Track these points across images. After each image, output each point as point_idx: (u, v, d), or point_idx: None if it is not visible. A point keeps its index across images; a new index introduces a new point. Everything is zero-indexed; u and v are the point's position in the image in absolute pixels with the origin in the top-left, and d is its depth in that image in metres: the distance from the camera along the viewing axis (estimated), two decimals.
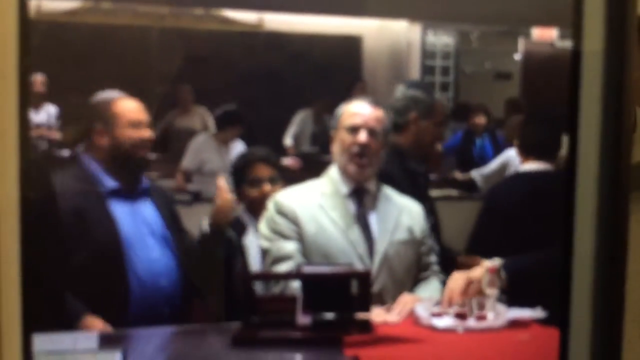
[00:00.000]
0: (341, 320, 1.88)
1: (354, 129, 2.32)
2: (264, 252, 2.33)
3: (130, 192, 2.29)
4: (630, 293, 1.27)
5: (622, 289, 1.25)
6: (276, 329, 1.90)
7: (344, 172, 2.36)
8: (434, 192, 4.16)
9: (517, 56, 5.88)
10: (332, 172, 2.41)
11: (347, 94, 5.34)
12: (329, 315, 1.87)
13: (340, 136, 2.36)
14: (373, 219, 2.35)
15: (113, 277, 2.19)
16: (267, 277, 2.30)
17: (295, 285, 2.10)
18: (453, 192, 4.41)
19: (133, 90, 2.37)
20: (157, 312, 2.23)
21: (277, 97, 5.55)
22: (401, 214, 2.40)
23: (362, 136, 2.31)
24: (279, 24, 5.43)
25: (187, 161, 4.39)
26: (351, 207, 2.35)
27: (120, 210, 2.25)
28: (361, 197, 2.37)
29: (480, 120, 4.80)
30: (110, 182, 2.26)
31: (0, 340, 1.07)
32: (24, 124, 1.03)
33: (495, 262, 2.13)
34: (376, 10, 5.16)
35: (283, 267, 2.24)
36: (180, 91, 5.05)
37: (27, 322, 1.08)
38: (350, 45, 5.56)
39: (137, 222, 2.27)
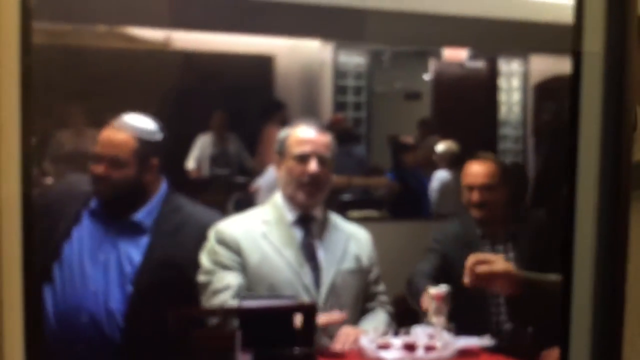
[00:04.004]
0: (283, 356, 1.83)
1: (303, 158, 2.24)
2: (203, 286, 2.19)
3: (111, 219, 2.15)
4: (631, 292, 1.31)
5: (622, 288, 1.29)
6: None
7: (292, 200, 2.27)
8: (354, 214, 4.19)
9: (427, 76, 6.05)
10: (277, 200, 2.32)
11: (261, 117, 5.38)
12: (271, 352, 1.81)
13: (287, 164, 2.28)
14: (320, 248, 2.27)
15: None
16: (203, 313, 2.17)
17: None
18: (373, 214, 4.46)
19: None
20: (70, 344, 2.07)
21: (184, 118, 5.45)
22: (349, 241, 2.34)
23: (313, 166, 2.23)
24: (187, 43, 5.35)
25: None
26: (297, 235, 2.27)
27: (85, 229, 2.11)
28: (307, 225, 2.30)
29: (410, 157, 4.91)
30: (93, 202, 2.13)
31: (2, 341, 1.00)
32: (26, 124, 0.96)
33: (441, 289, 2.12)
34: (288, 29, 5.22)
35: (220, 299, 2.13)
36: (70, 112, 4.83)
37: (29, 321, 1.01)
38: (262, 64, 5.55)
39: (100, 248, 2.13)
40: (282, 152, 2.30)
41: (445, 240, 2.75)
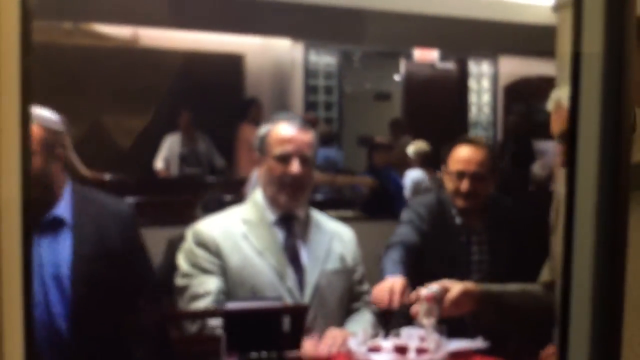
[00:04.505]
0: None
1: (285, 158, 2.11)
2: (181, 290, 2.06)
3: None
4: (630, 293, 1.31)
5: (621, 288, 1.29)
6: None
7: (273, 201, 2.15)
8: (330, 213, 4.17)
9: (397, 77, 6.08)
10: (257, 198, 2.19)
11: (236, 116, 5.34)
12: (258, 355, 1.72)
13: (268, 163, 2.14)
14: (303, 248, 2.16)
15: None
16: (186, 316, 2.03)
17: (215, 322, 1.90)
18: (348, 213, 4.43)
19: None
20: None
21: (152, 117, 5.37)
22: (332, 241, 2.22)
23: (295, 167, 2.10)
24: (155, 40, 5.28)
25: None
26: (279, 235, 2.15)
27: None
28: (290, 225, 2.17)
29: (384, 156, 4.90)
30: None
31: (2, 341, 0.97)
32: (26, 124, 0.93)
33: (432, 290, 2.00)
34: (258, 28, 5.18)
35: (199, 305, 2.01)
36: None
37: (29, 321, 0.98)
38: (232, 63, 5.50)
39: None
40: (262, 150, 2.17)
41: (426, 217, 2.47)
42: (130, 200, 4.64)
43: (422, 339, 1.92)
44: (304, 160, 2.11)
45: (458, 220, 2.46)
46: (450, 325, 1.97)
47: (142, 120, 5.32)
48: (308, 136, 2.15)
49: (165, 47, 5.30)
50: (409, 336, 1.94)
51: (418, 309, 2.00)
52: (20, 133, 0.96)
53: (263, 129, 2.18)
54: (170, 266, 2.31)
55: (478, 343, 1.96)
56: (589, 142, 1.32)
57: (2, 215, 0.95)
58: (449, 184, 2.45)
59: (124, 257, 2.10)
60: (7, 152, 0.96)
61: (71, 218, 2.09)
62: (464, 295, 1.99)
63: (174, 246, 2.31)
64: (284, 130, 2.14)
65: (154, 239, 2.72)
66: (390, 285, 2.02)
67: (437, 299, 2.00)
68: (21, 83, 0.95)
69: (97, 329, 2.02)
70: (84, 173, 4.58)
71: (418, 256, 2.34)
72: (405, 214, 2.52)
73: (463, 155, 2.44)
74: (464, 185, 2.41)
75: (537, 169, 5.13)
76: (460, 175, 2.42)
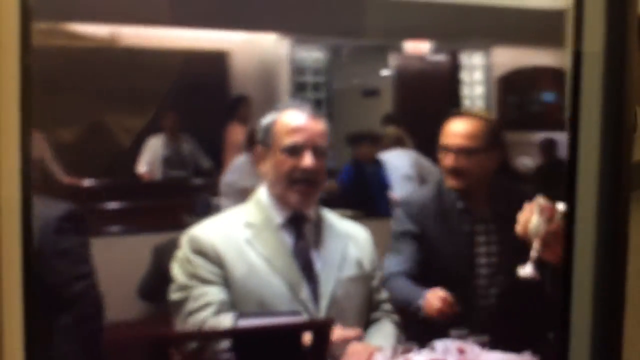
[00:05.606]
0: None
1: (295, 150, 1.94)
2: (177, 304, 1.87)
3: None
4: (631, 292, 1.36)
5: (622, 289, 1.33)
6: None
7: (281, 200, 1.98)
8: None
9: (387, 71, 6.10)
10: (262, 197, 2.01)
11: (223, 115, 5.35)
12: None
13: (275, 157, 1.96)
14: (315, 254, 2.00)
15: None
16: (191, 337, 1.81)
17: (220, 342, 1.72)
18: (347, 213, 4.43)
19: None
20: None
21: (133, 119, 5.37)
22: (347, 244, 2.06)
23: (308, 160, 1.93)
24: (135, 39, 5.28)
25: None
26: (287, 239, 1.98)
27: None
28: (299, 227, 2.01)
29: (369, 149, 4.90)
30: None
31: (3, 340, 1.01)
32: (26, 124, 0.97)
33: (560, 206, 1.74)
34: (243, 23, 5.20)
35: (200, 317, 1.82)
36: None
37: (29, 322, 1.03)
38: (217, 60, 5.51)
39: None
40: (266, 143, 1.99)
41: (420, 217, 2.30)
42: (113, 206, 4.65)
43: (461, 352, 1.75)
44: (317, 152, 1.93)
45: (459, 204, 2.28)
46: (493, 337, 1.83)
47: (122, 124, 5.31)
48: (320, 125, 1.97)
49: (145, 45, 5.30)
50: (445, 350, 1.76)
51: (527, 224, 1.81)
52: (20, 133, 0.99)
53: (268, 118, 1.99)
54: (158, 274, 2.25)
55: (526, 358, 1.79)
56: (590, 142, 1.35)
57: (2, 215, 0.98)
58: (440, 162, 2.30)
59: (42, 264, 1.85)
60: (7, 152, 0.99)
61: None
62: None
63: (160, 253, 2.24)
64: (294, 119, 1.95)
65: (140, 245, 2.69)
66: (442, 294, 1.97)
67: (552, 216, 1.77)
68: (21, 83, 0.98)
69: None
70: (60, 179, 4.55)
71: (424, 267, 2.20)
72: (397, 223, 2.34)
73: (452, 128, 2.27)
74: (448, 160, 2.24)
75: (526, 161, 5.08)
76: (445, 149, 2.26)
